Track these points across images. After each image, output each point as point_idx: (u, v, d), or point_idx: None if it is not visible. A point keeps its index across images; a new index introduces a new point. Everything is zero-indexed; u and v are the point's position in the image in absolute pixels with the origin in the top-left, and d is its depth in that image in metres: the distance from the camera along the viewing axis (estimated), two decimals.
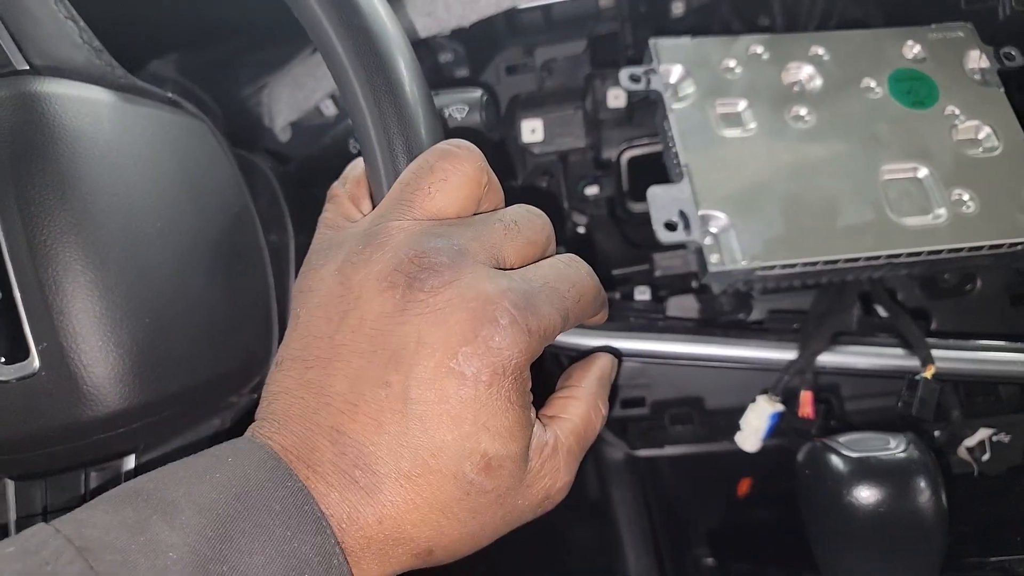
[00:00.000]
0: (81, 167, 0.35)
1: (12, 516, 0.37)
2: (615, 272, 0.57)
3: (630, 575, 0.55)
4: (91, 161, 0.36)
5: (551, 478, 0.30)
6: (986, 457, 0.52)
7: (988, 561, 0.45)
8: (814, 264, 0.44)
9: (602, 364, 0.36)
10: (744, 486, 0.64)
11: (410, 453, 0.27)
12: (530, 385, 0.30)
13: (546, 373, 0.65)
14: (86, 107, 0.37)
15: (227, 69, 0.65)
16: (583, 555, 1.00)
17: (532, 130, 0.57)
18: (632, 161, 0.62)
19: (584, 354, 0.45)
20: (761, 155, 0.46)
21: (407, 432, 0.27)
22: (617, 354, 0.36)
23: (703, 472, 0.60)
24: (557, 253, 0.33)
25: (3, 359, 0.33)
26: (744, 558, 0.63)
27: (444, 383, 0.27)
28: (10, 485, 0.38)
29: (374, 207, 0.33)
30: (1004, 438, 0.52)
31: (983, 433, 0.51)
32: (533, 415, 0.30)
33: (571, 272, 0.31)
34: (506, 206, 0.34)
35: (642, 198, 0.63)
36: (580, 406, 0.33)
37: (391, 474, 0.27)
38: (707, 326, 0.49)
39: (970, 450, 0.51)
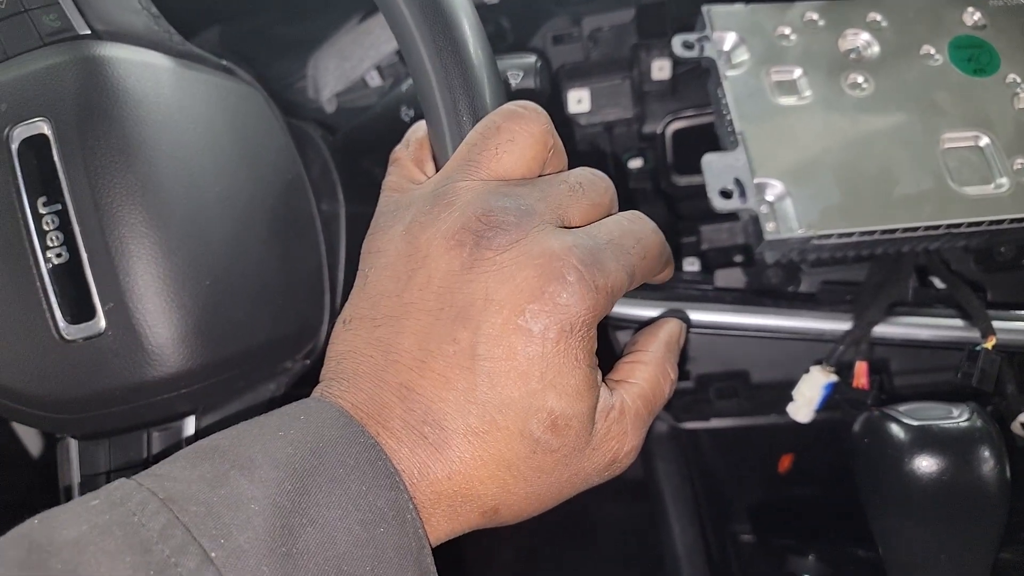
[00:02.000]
0: (144, 131, 0.35)
1: (75, 475, 0.38)
2: None
3: (676, 549, 0.55)
4: (154, 125, 0.36)
5: (618, 441, 0.30)
6: None
7: None
8: (871, 233, 0.43)
9: (670, 328, 0.35)
10: (785, 462, 0.63)
11: (478, 409, 0.27)
12: (596, 345, 0.29)
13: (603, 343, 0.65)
14: (147, 71, 0.37)
15: (268, 42, 0.65)
16: (619, 533, 1.00)
17: (579, 100, 0.56)
18: (676, 134, 0.62)
19: (637, 324, 0.45)
20: (817, 123, 0.45)
21: (475, 388, 0.27)
22: (686, 319, 0.35)
23: (744, 447, 0.60)
24: None
25: (70, 319, 0.34)
26: (784, 534, 0.63)
27: (512, 339, 0.27)
28: (73, 444, 0.38)
29: (438, 170, 0.33)
30: None
31: None
32: (599, 377, 0.30)
33: (636, 228, 0.31)
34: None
35: (686, 171, 0.63)
36: (648, 370, 0.33)
37: (459, 430, 0.27)
38: (758, 296, 0.49)
39: (1023, 425, 0.50)
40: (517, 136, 0.30)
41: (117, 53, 0.37)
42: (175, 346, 0.35)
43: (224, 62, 0.43)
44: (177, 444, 0.37)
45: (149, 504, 0.24)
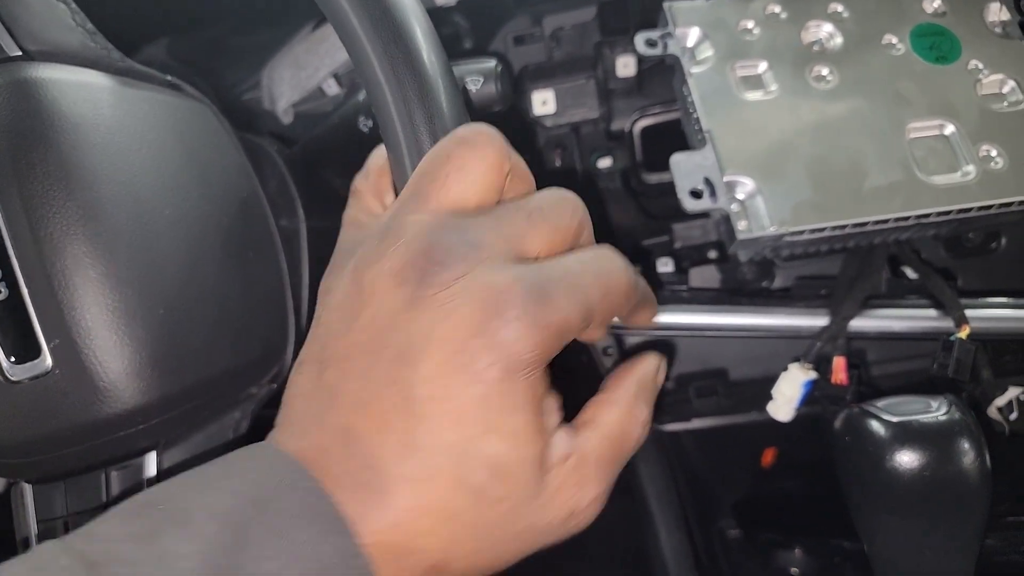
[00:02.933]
0: (84, 155, 0.34)
1: (32, 522, 0.36)
2: (633, 245, 0.56)
3: (663, 552, 0.54)
4: (94, 148, 0.34)
5: (576, 491, 0.28)
6: (1014, 416, 0.51)
7: None
8: (843, 227, 0.42)
9: (645, 366, 0.32)
10: (768, 456, 0.63)
11: (417, 454, 0.25)
12: (546, 386, 0.28)
13: (585, 373, 0.64)
14: (85, 92, 0.35)
15: (221, 52, 0.63)
16: (606, 531, 1.00)
17: (543, 102, 0.55)
18: (644, 131, 0.61)
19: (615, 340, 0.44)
20: (784, 117, 0.45)
21: (413, 431, 0.26)
22: (671, 347, 0.34)
23: (727, 444, 0.59)
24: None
25: (13, 359, 0.32)
26: (771, 528, 0.63)
27: (451, 380, 0.25)
28: (28, 490, 0.36)
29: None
30: None
31: (1012, 392, 0.50)
32: (554, 419, 0.28)
33: (599, 264, 0.29)
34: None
35: (656, 168, 0.62)
36: (616, 411, 0.30)
37: (400, 477, 0.26)
38: (733, 295, 0.48)
39: (1000, 410, 0.50)
40: (468, 164, 0.28)
41: (51, 74, 0.35)
42: (129, 380, 0.33)
43: (169, 77, 0.42)
44: (138, 483, 0.36)
45: (72, 570, 0.22)
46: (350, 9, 0.30)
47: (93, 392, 0.33)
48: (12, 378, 0.32)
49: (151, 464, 0.36)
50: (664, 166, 0.61)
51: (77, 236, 0.32)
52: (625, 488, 0.74)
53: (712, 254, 0.57)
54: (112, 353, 0.33)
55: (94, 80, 0.37)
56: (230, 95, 0.63)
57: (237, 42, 0.63)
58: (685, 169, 0.43)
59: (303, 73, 0.54)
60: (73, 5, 0.38)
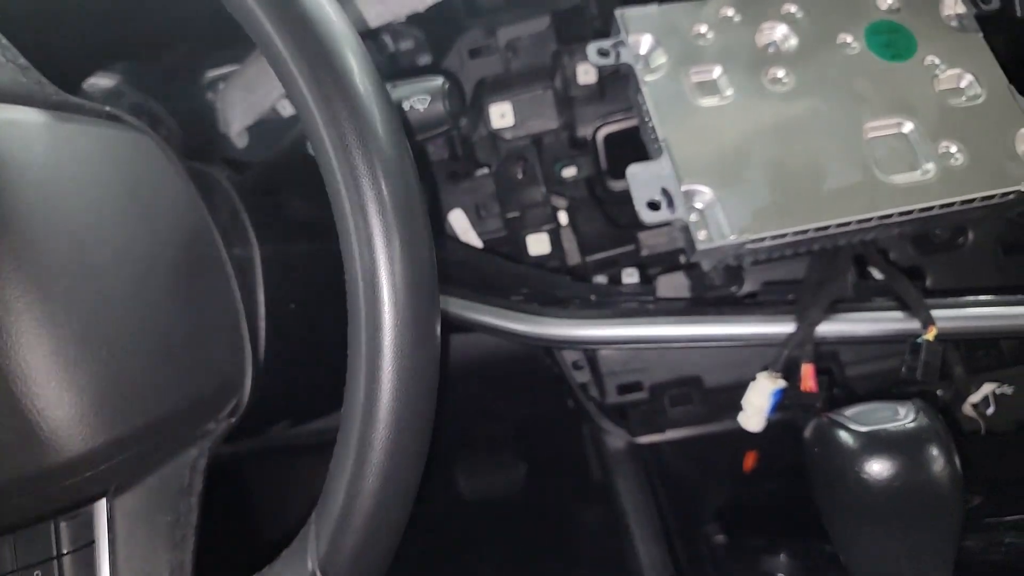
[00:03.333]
0: (15, 196, 0.32)
1: None
2: (600, 256, 0.55)
3: (641, 565, 0.54)
4: (25, 189, 0.33)
5: None
6: (991, 411, 0.51)
7: (1004, 520, 0.44)
8: (805, 232, 0.42)
9: None
10: (750, 460, 0.62)
11: None
12: None
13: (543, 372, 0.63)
14: (14, 130, 0.34)
15: (175, 77, 0.62)
16: (592, 539, 0.99)
17: (502, 115, 0.54)
18: (608, 138, 0.60)
19: (582, 345, 0.43)
20: (741, 122, 0.44)
21: None
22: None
23: (707, 451, 0.59)
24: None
25: None
26: (755, 533, 0.62)
27: None
28: None
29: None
30: (1008, 390, 0.51)
31: (987, 388, 0.50)
32: None
33: None
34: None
35: (622, 175, 0.61)
36: None
37: None
38: (700, 304, 0.48)
39: (975, 406, 0.50)
40: None
41: None
42: (72, 427, 0.32)
43: (107, 108, 0.40)
44: (88, 531, 0.34)
45: None
46: (276, 33, 0.29)
47: (34, 443, 0.31)
48: None
49: (101, 511, 0.35)
50: None
51: (9, 281, 0.31)
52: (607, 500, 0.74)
53: (683, 258, 0.57)
54: (52, 401, 0.31)
55: (24, 117, 0.35)
56: (189, 119, 0.62)
57: (194, 66, 0.62)
58: (642, 180, 0.42)
59: (253, 96, 0.52)
60: (3, 40, 0.37)
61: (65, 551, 0.34)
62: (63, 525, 0.34)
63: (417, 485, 0.31)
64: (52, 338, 0.32)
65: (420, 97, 0.42)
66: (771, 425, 0.48)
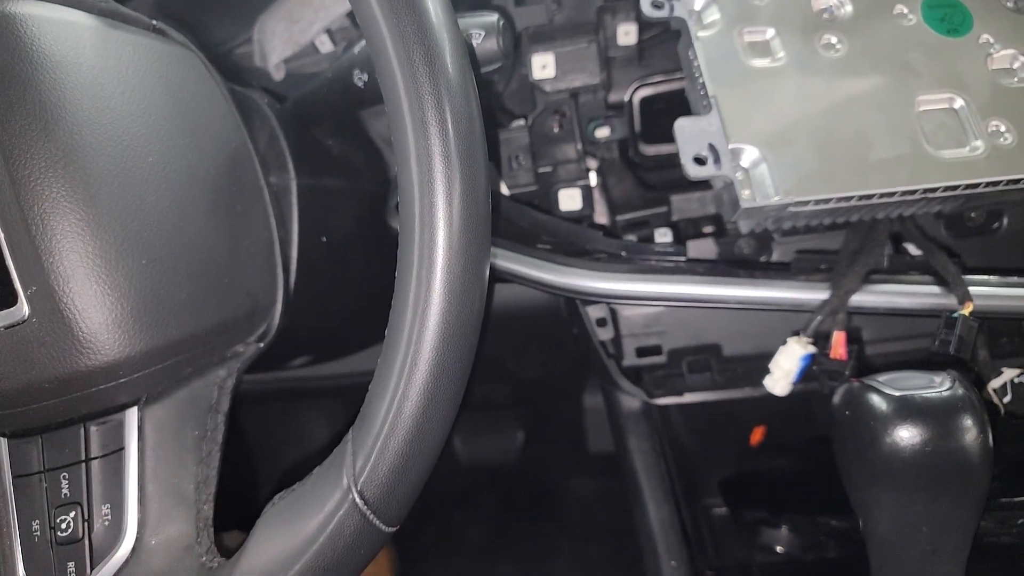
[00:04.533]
0: (65, 95, 0.32)
1: (7, 477, 0.35)
2: (630, 216, 0.55)
3: (651, 525, 0.54)
4: (75, 89, 0.33)
5: None
6: (1007, 399, 0.51)
7: (1016, 501, 0.44)
8: (848, 199, 0.41)
9: None
10: (757, 435, 0.63)
11: None
12: None
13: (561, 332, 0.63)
14: (67, 30, 0.34)
15: (209, 7, 0.61)
16: (582, 509, 1.00)
17: (543, 65, 0.54)
18: (644, 101, 0.60)
19: (608, 299, 0.43)
20: (791, 86, 0.44)
21: None
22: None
23: (717, 422, 0.59)
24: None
25: None
26: (757, 506, 0.62)
27: None
28: (2, 443, 0.35)
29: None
30: None
31: (1008, 374, 0.50)
32: None
33: None
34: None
35: (655, 140, 0.61)
36: None
37: None
38: (731, 267, 0.47)
39: (995, 391, 0.50)
40: None
41: (30, 10, 0.33)
42: (109, 332, 0.32)
43: (155, 22, 0.40)
44: (118, 437, 0.34)
45: None
46: None
47: (71, 343, 0.31)
48: None
49: (132, 420, 0.35)
50: (663, 138, 0.60)
51: (56, 179, 0.31)
52: (608, 467, 0.74)
53: (708, 229, 0.56)
54: (92, 303, 0.31)
55: (76, 19, 0.35)
56: (219, 50, 0.61)
57: None
58: (690, 134, 0.41)
59: (296, 27, 0.52)
60: None
61: (94, 455, 0.34)
62: (93, 430, 0.34)
63: (454, 416, 0.31)
64: (95, 240, 0.31)
65: (476, 31, 0.41)
66: (781, 400, 0.48)
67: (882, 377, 0.38)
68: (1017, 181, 0.43)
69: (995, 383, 0.50)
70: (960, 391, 0.36)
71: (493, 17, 0.42)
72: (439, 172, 0.28)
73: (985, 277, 0.45)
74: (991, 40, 0.46)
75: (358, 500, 0.29)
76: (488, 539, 1.00)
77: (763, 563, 0.59)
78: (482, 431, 1.01)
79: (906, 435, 0.35)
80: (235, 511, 0.38)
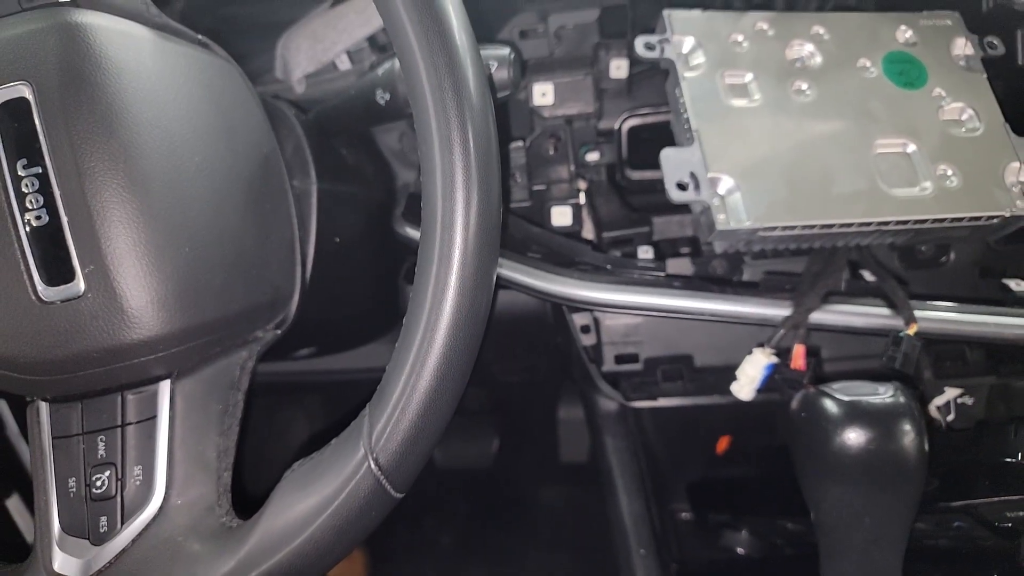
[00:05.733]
0: (127, 98, 0.36)
1: (47, 439, 0.38)
2: (616, 233, 0.60)
3: (623, 520, 0.58)
4: (136, 93, 0.37)
5: None
6: (951, 417, 0.56)
7: (954, 505, 0.49)
8: (811, 227, 0.47)
9: None
10: (723, 444, 0.67)
11: None
12: None
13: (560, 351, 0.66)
14: (128, 40, 0.38)
15: (229, 20, 0.65)
16: (552, 519, 1.03)
17: (543, 93, 0.59)
18: (631, 130, 0.65)
19: (592, 307, 0.47)
20: (765, 125, 0.49)
21: None
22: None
23: (687, 425, 0.63)
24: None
25: (48, 281, 0.34)
26: (721, 510, 0.67)
27: None
28: (44, 407, 0.38)
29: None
30: (968, 400, 0.56)
31: (951, 393, 0.55)
32: None
33: None
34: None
35: (641, 166, 0.66)
36: None
37: None
38: (707, 282, 0.52)
39: (939, 408, 0.55)
40: None
41: (97, 21, 0.37)
42: (154, 309, 0.35)
43: (201, 37, 0.44)
44: (152, 406, 0.38)
45: None
46: None
47: (120, 318, 0.35)
48: (46, 299, 0.34)
49: (165, 391, 0.38)
50: (647, 165, 0.66)
51: (117, 172, 0.35)
52: (580, 478, 0.78)
53: (685, 250, 0.62)
54: (141, 282, 0.35)
55: (135, 31, 0.39)
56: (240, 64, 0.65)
57: (244, 12, 0.66)
58: (674, 162, 0.46)
59: (319, 46, 0.56)
60: None
61: (129, 421, 0.37)
62: (130, 398, 0.38)
63: (459, 396, 0.35)
64: (147, 228, 0.35)
65: (490, 62, 0.46)
66: (746, 410, 0.53)
67: (835, 385, 0.43)
68: (960, 219, 0.48)
69: (939, 400, 0.55)
70: (901, 399, 0.41)
71: (506, 51, 0.47)
72: (460, 183, 0.33)
73: (931, 303, 0.51)
74: (943, 94, 0.52)
75: (373, 467, 0.33)
76: (459, 543, 1.03)
77: (724, 560, 0.64)
78: (458, 435, 1.03)
79: (853, 435, 0.40)
80: None
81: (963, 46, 0.54)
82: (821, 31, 0.53)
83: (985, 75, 0.53)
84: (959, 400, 0.56)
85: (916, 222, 0.48)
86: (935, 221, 0.48)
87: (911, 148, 0.50)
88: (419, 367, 0.33)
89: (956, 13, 0.55)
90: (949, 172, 0.49)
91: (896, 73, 0.53)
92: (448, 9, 0.34)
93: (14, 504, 0.78)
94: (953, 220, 0.48)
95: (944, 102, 0.52)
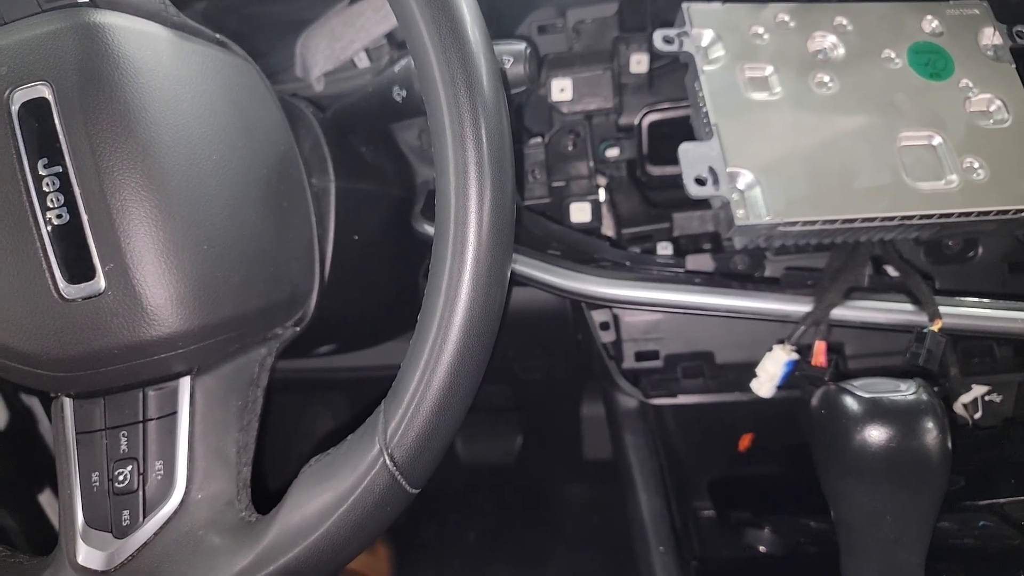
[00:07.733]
0: (145, 98, 0.36)
1: (71, 434, 0.39)
2: (635, 230, 0.60)
3: (643, 517, 0.58)
4: (154, 93, 0.37)
5: None
6: (978, 415, 0.55)
7: (979, 504, 0.48)
8: (833, 222, 0.46)
9: None
10: (745, 441, 0.67)
11: None
12: None
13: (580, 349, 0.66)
14: (146, 40, 0.38)
15: (248, 19, 0.66)
16: (575, 516, 1.03)
17: (561, 89, 0.58)
18: (652, 125, 0.64)
19: (612, 304, 0.47)
20: (786, 118, 0.48)
21: None
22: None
23: (707, 422, 0.63)
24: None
25: (69, 279, 0.35)
26: (743, 508, 0.66)
27: None
28: (68, 403, 0.39)
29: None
30: (996, 398, 0.55)
31: (978, 391, 0.54)
32: None
33: None
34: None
35: (661, 162, 0.65)
36: None
37: None
38: (727, 278, 0.52)
39: (965, 406, 0.54)
40: None
41: (116, 21, 0.38)
42: (173, 307, 0.36)
43: (219, 36, 0.44)
44: (172, 402, 0.38)
45: None
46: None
47: (140, 315, 0.35)
48: (67, 297, 0.35)
49: (185, 388, 0.39)
50: (667, 161, 0.65)
51: (136, 171, 0.35)
52: (603, 475, 0.77)
53: (707, 245, 0.61)
54: (160, 280, 0.36)
55: (153, 30, 0.39)
56: (258, 63, 0.65)
57: (263, 11, 0.66)
58: (692, 157, 0.46)
59: (338, 44, 0.56)
60: None
61: (151, 417, 0.38)
62: (151, 394, 0.38)
63: (474, 394, 0.35)
64: (167, 227, 0.36)
65: (505, 57, 0.46)
66: (768, 407, 0.52)
67: (856, 382, 0.42)
68: (987, 213, 0.47)
69: (965, 398, 0.54)
70: (924, 396, 0.40)
71: (521, 46, 0.47)
72: (473, 179, 0.33)
73: (956, 298, 0.49)
74: (970, 85, 0.51)
75: (388, 463, 0.33)
76: (484, 540, 1.04)
77: (745, 558, 0.63)
78: (482, 433, 1.04)
79: (874, 433, 0.39)
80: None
81: (991, 35, 0.53)
82: (844, 22, 0.52)
83: (1014, 65, 0.52)
84: (986, 397, 0.55)
85: (941, 216, 0.47)
86: (961, 215, 0.47)
87: (937, 140, 0.49)
88: (433, 363, 0.33)
89: (984, 2, 0.54)
90: (976, 165, 0.48)
91: (922, 64, 0.51)
92: (461, 4, 0.34)
93: (46, 499, 0.80)
94: (980, 214, 0.47)
95: (971, 93, 0.51)
